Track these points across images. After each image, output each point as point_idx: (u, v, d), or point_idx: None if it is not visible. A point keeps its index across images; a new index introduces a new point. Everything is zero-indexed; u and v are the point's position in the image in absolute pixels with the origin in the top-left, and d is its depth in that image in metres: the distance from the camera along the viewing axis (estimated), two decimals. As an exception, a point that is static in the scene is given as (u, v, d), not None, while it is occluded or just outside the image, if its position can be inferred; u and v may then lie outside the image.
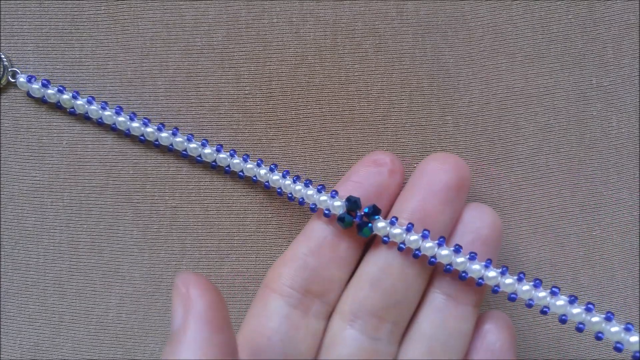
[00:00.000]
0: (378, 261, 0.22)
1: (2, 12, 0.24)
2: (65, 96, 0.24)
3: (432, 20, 0.24)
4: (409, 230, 0.21)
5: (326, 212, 0.22)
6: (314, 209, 0.22)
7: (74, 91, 0.24)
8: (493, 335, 0.22)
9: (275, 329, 0.21)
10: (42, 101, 0.24)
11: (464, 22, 0.24)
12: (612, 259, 0.25)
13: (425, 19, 0.24)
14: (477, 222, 0.22)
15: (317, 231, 0.22)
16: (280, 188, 0.23)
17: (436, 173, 0.22)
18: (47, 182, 0.25)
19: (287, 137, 0.24)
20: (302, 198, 0.23)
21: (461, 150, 0.25)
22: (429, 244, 0.21)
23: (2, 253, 0.25)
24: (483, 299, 0.22)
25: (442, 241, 0.21)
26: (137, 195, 0.25)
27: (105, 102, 0.24)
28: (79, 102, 0.24)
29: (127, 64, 0.24)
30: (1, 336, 0.25)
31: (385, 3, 0.24)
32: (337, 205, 0.22)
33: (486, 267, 0.21)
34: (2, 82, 0.24)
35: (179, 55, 0.24)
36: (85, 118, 0.24)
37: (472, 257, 0.21)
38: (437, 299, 0.22)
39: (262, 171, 0.23)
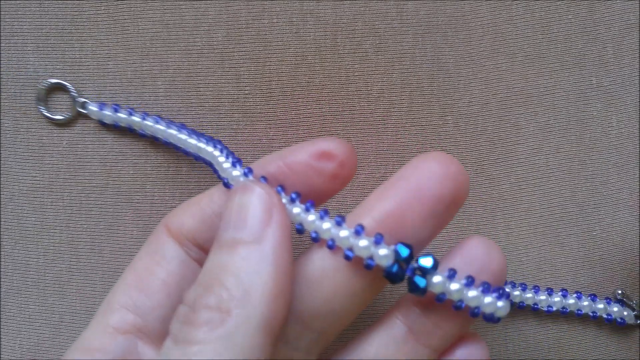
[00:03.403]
0: (324, 262, 0.18)
1: (2, 12, 0.24)
2: (135, 118, 0.23)
3: (432, 20, 0.24)
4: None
5: (369, 262, 0.17)
6: (349, 257, 0.18)
7: (144, 112, 0.24)
8: None
9: (171, 272, 0.19)
10: (114, 127, 0.24)
11: (464, 22, 0.24)
12: (612, 259, 0.25)
13: (425, 19, 0.24)
14: (481, 257, 0.18)
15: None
16: (300, 224, 0.18)
17: (428, 177, 0.17)
18: (47, 182, 0.25)
19: (287, 137, 0.24)
20: (332, 240, 0.18)
21: (461, 150, 0.25)
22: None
23: (2, 253, 0.25)
24: (447, 344, 0.19)
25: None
26: (137, 195, 0.25)
27: (171, 122, 0.24)
28: (147, 122, 0.23)
29: (127, 64, 0.24)
30: (1, 336, 0.25)
31: (385, 3, 0.24)
32: (385, 255, 0.17)
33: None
34: (72, 113, 0.24)
35: (179, 55, 0.24)
36: (154, 139, 0.24)
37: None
38: (397, 328, 0.19)
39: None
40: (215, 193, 0.20)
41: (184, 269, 0.20)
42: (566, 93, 0.25)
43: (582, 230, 0.25)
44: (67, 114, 0.24)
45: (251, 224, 0.17)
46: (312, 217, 0.18)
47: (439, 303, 0.18)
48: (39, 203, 0.25)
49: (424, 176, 0.17)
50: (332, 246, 0.18)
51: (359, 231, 0.17)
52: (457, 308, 0.18)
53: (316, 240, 0.18)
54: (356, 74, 0.24)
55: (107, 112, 0.24)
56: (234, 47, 0.24)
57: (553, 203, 0.25)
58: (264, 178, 0.19)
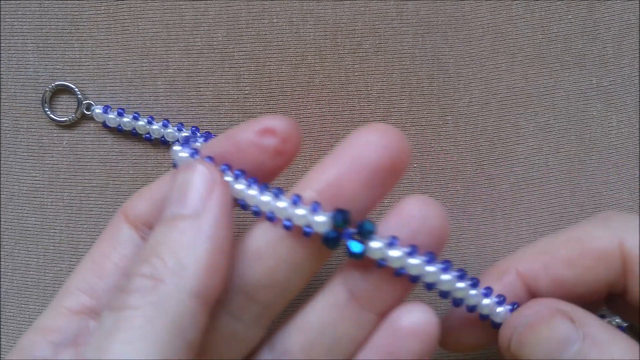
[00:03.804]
0: (265, 235, 0.18)
1: (2, 12, 0.24)
2: (140, 122, 0.24)
3: (432, 20, 0.24)
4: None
5: (307, 229, 0.18)
6: (289, 227, 0.18)
7: (149, 116, 0.24)
8: (396, 340, 0.18)
9: (125, 255, 0.20)
10: (117, 130, 0.24)
11: (464, 22, 0.24)
12: (612, 259, 0.25)
13: (425, 19, 0.24)
14: (417, 220, 0.18)
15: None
16: (243, 200, 0.19)
17: (366, 147, 0.17)
18: (47, 182, 0.25)
19: (287, 137, 0.24)
20: (272, 212, 0.18)
21: (461, 150, 0.25)
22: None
23: (2, 253, 0.25)
24: (392, 309, 0.19)
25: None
26: (137, 195, 0.25)
27: (182, 124, 0.24)
28: (154, 127, 0.24)
29: (127, 64, 0.24)
30: (1, 336, 0.25)
31: (385, 3, 0.24)
32: (322, 221, 0.17)
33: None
34: (77, 116, 0.24)
35: (179, 55, 0.24)
36: (162, 142, 0.24)
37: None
38: (338, 293, 0.19)
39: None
40: (168, 178, 0.20)
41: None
42: (566, 93, 0.25)
43: (582, 230, 0.25)
44: (72, 116, 0.24)
45: (191, 199, 0.18)
46: (253, 192, 0.18)
47: (378, 268, 0.18)
48: (39, 203, 0.25)
49: (362, 146, 0.18)
50: (272, 218, 0.18)
51: (296, 201, 0.18)
52: (398, 274, 0.18)
53: (258, 214, 0.18)
54: (356, 74, 0.24)
55: (112, 116, 0.24)
56: (234, 47, 0.24)
57: (553, 203, 0.25)
58: (210, 158, 0.19)
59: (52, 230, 0.25)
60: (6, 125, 0.25)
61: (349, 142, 0.18)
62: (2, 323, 0.25)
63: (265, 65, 0.24)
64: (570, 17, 0.24)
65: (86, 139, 0.25)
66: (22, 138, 0.25)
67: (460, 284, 0.18)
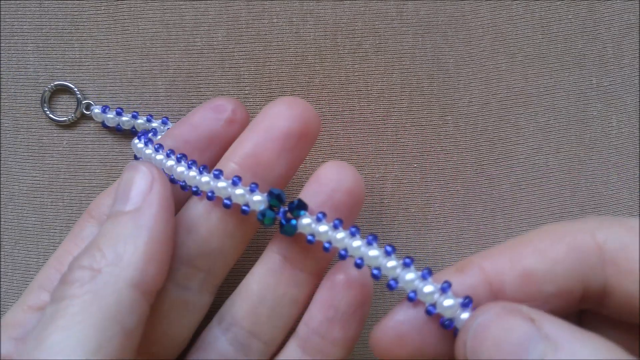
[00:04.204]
0: (197, 207, 0.20)
1: (2, 12, 0.24)
2: (139, 121, 0.24)
3: (432, 20, 0.24)
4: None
5: (244, 207, 0.20)
6: (228, 205, 0.20)
7: (149, 115, 0.24)
8: (334, 292, 0.19)
9: None
10: (116, 129, 0.24)
11: (464, 22, 0.24)
12: (612, 259, 0.25)
13: (425, 19, 0.24)
14: (333, 182, 0.20)
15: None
16: (184, 181, 0.20)
17: (277, 118, 0.20)
18: (47, 182, 0.25)
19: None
20: (212, 191, 0.20)
21: (461, 150, 0.25)
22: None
23: (2, 253, 0.25)
24: (325, 267, 0.21)
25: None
26: (137, 195, 0.25)
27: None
28: (153, 124, 0.24)
29: (127, 64, 0.24)
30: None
31: (385, 3, 0.24)
32: (258, 200, 0.19)
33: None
34: (76, 115, 0.24)
35: (179, 55, 0.24)
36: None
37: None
38: (273, 259, 0.20)
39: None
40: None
41: None
42: (566, 93, 0.25)
43: (582, 230, 0.25)
44: (71, 116, 0.24)
45: (133, 196, 0.19)
46: (193, 173, 0.20)
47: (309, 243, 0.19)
48: (39, 203, 0.25)
49: (272, 118, 0.20)
50: (211, 197, 0.20)
51: (217, 175, 0.20)
52: (326, 250, 0.19)
53: (198, 194, 0.20)
54: (356, 74, 0.24)
55: (110, 115, 0.24)
56: (234, 47, 0.24)
57: (553, 203, 0.25)
58: (171, 151, 0.20)
59: (52, 230, 0.25)
60: (6, 125, 0.25)
61: (261, 116, 0.20)
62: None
63: (265, 65, 0.24)
64: (570, 17, 0.24)
65: (86, 139, 0.25)
66: (22, 138, 0.25)
67: (392, 262, 0.18)
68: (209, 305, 0.21)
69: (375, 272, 0.18)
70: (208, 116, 0.21)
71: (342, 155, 0.24)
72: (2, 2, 0.24)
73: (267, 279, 0.20)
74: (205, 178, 0.20)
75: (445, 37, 0.24)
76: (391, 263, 0.18)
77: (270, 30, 0.24)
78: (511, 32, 0.24)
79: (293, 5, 0.24)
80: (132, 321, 0.17)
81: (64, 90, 0.24)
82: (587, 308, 0.18)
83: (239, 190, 0.19)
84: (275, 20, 0.24)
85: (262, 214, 0.19)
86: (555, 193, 0.25)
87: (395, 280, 0.18)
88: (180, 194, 0.21)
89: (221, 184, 0.20)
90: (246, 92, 0.24)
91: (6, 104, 0.25)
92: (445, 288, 0.17)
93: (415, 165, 0.25)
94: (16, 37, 0.24)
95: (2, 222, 0.25)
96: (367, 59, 0.24)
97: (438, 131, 0.25)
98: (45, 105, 0.24)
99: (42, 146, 0.25)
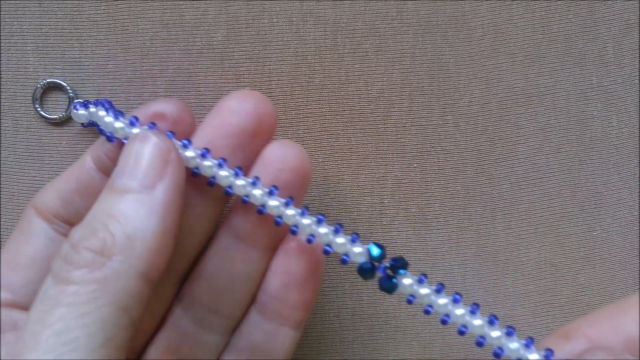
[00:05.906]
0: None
1: (2, 12, 0.24)
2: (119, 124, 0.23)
3: (432, 20, 0.24)
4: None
5: (344, 257, 0.19)
6: (327, 253, 0.19)
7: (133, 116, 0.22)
8: (288, 259, 0.20)
9: (38, 249, 0.20)
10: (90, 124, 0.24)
11: (464, 22, 0.24)
12: (612, 259, 0.25)
13: (425, 19, 0.24)
14: (278, 162, 0.20)
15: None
16: (280, 217, 0.20)
17: (230, 114, 0.19)
18: (47, 181, 0.25)
19: (287, 137, 0.24)
20: (312, 236, 0.19)
21: (461, 150, 0.25)
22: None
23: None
24: (278, 243, 0.21)
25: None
26: (137, 195, 0.25)
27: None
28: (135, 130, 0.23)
29: (127, 64, 0.24)
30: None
31: (385, 3, 0.24)
32: (358, 252, 0.19)
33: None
34: (67, 113, 0.24)
35: (179, 55, 0.24)
36: None
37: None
38: (226, 239, 0.21)
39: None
40: (73, 171, 0.21)
41: (52, 245, 0.20)
42: (566, 93, 0.25)
43: (582, 230, 0.25)
44: (62, 114, 0.24)
45: (145, 173, 0.18)
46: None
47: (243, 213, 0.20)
48: (39, 203, 0.25)
49: (224, 115, 0.19)
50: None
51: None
52: (277, 224, 0.20)
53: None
54: (356, 74, 0.24)
55: (82, 112, 0.22)
56: (234, 47, 0.24)
57: (553, 203, 0.25)
58: (153, 124, 0.19)
59: (52, 230, 0.25)
60: (6, 125, 0.25)
61: (214, 112, 0.20)
62: (2, 323, 0.25)
63: (265, 65, 0.24)
64: (570, 17, 0.24)
65: (86, 139, 0.25)
66: (21, 138, 0.25)
67: (496, 332, 0.18)
68: (175, 294, 0.21)
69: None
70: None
71: (342, 155, 0.24)
72: (2, 2, 0.24)
73: (220, 258, 0.21)
74: (306, 220, 0.19)
75: (445, 37, 0.24)
76: (495, 333, 0.18)
77: (270, 30, 0.24)
78: (511, 32, 0.24)
79: (293, 5, 0.24)
80: (138, 311, 0.17)
81: (63, 89, 0.24)
82: None
83: (340, 239, 0.19)
84: (275, 20, 0.24)
85: (363, 268, 0.19)
86: (555, 193, 0.25)
87: (501, 348, 0.18)
88: None
89: (323, 229, 0.19)
90: (246, 92, 0.24)
91: (6, 104, 0.25)
92: (548, 355, 0.18)
93: (415, 165, 0.25)
94: (16, 37, 0.24)
95: (2, 222, 0.25)
96: (367, 59, 0.24)
97: (438, 131, 0.25)
98: (37, 102, 0.24)
99: (42, 146, 0.25)
